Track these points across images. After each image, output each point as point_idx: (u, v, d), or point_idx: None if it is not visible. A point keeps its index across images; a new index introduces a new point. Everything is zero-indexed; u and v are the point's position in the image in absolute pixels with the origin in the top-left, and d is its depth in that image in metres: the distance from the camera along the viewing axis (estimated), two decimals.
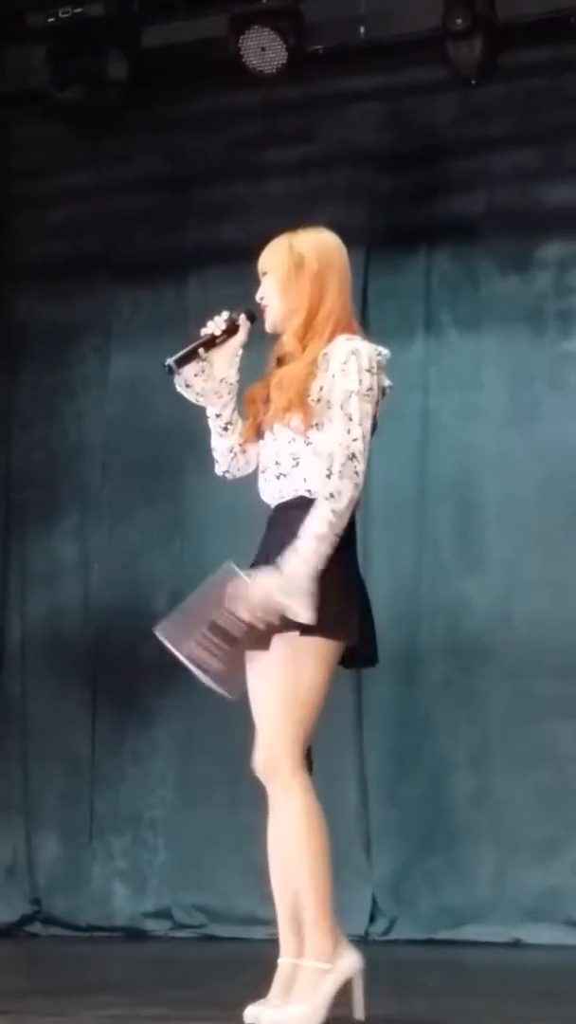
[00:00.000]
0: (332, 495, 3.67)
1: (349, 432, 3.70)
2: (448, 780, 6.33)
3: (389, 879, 6.30)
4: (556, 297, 6.47)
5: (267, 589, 3.63)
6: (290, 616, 3.63)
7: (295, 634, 3.65)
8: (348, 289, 3.89)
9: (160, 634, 3.70)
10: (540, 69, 6.49)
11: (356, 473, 3.69)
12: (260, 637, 3.67)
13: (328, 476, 3.69)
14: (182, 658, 3.70)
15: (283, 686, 3.69)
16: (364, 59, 6.54)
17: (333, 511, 3.66)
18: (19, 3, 6.38)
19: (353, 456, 3.69)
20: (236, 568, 3.69)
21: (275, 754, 3.71)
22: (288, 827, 3.71)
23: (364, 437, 3.72)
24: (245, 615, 3.64)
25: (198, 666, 3.69)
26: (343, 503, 3.67)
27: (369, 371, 3.74)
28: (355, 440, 3.70)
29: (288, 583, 3.62)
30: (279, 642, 3.68)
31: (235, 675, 3.71)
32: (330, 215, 4.03)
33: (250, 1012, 3.69)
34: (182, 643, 3.68)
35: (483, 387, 6.50)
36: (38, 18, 6.32)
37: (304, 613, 3.62)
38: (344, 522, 3.69)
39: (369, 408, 3.74)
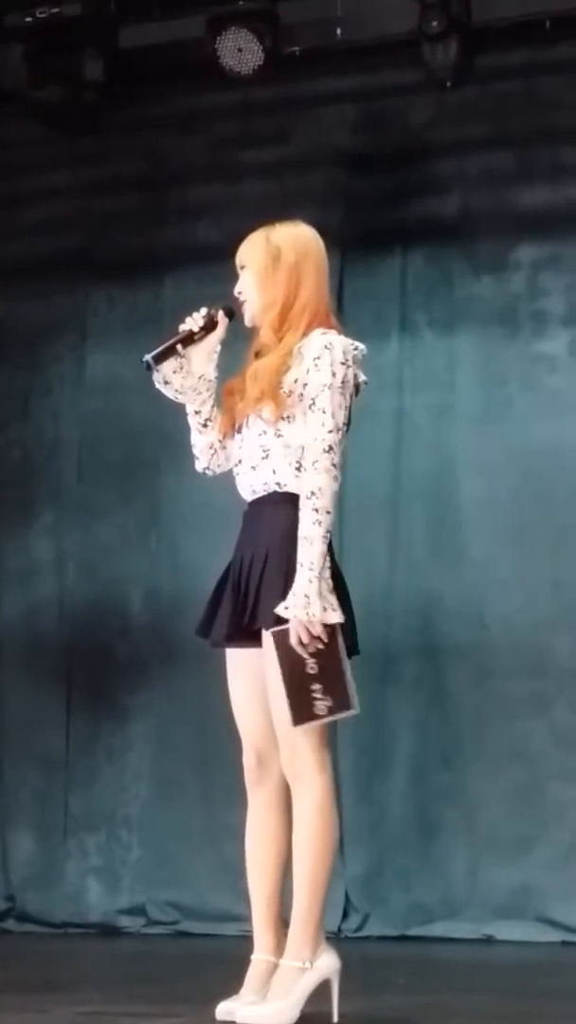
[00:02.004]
0: (313, 492, 3.67)
1: (323, 425, 3.71)
2: (421, 778, 6.35)
3: (362, 876, 6.32)
4: (529, 298, 6.50)
5: (295, 615, 3.63)
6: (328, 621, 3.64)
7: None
8: (326, 281, 3.91)
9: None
10: (515, 72, 6.52)
11: (333, 466, 3.69)
12: (326, 653, 3.66)
13: (300, 470, 3.71)
14: (327, 720, 3.72)
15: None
16: (340, 61, 6.55)
17: (316, 509, 3.66)
18: None
19: (329, 449, 3.69)
20: (277, 628, 3.67)
21: (299, 754, 3.72)
22: (307, 820, 3.71)
23: (338, 429, 3.72)
24: (301, 649, 3.64)
25: (332, 713, 3.70)
26: (325, 499, 3.67)
27: (343, 364, 3.75)
28: (329, 432, 3.70)
29: (300, 597, 3.63)
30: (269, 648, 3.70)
31: (345, 692, 3.71)
32: (305, 216, 4.02)
33: (222, 1008, 3.71)
34: (310, 711, 3.67)
35: (457, 387, 6.53)
36: (15, 18, 6.31)
37: (330, 615, 3.64)
38: (331, 517, 3.68)
39: (343, 400, 3.74)
